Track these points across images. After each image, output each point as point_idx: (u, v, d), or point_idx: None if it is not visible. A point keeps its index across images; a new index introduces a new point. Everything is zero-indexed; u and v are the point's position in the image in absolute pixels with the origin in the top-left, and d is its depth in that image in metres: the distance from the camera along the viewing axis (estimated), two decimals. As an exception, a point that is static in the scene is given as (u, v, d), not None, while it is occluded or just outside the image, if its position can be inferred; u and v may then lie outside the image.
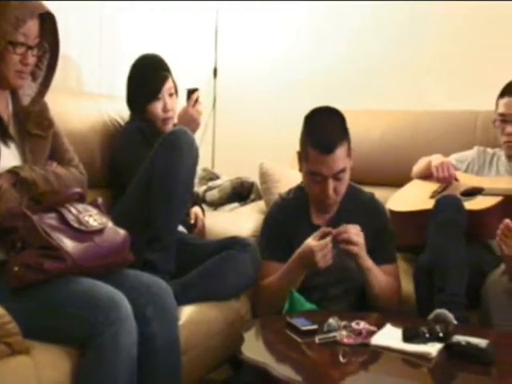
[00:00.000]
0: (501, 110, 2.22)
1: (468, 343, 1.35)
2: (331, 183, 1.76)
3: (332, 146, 1.74)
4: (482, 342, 1.34)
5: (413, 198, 2.24)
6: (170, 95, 2.07)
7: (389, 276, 1.82)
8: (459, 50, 2.74)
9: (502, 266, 1.83)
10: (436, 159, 2.25)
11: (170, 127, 2.06)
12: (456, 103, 2.63)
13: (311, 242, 1.73)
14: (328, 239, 1.72)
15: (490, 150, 2.33)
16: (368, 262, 1.76)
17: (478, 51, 2.70)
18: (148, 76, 2.05)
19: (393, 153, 2.56)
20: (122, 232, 1.49)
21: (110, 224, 1.49)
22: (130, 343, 1.32)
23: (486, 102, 2.58)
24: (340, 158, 1.76)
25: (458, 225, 1.84)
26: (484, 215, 1.96)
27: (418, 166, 2.35)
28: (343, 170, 1.77)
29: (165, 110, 2.05)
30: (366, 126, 2.63)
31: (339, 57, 2.97)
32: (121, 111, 2.18)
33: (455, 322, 1.59)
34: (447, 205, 1.89)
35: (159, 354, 1.42)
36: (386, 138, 2.59)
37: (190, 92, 2.02)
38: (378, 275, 1.78)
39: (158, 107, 2.04)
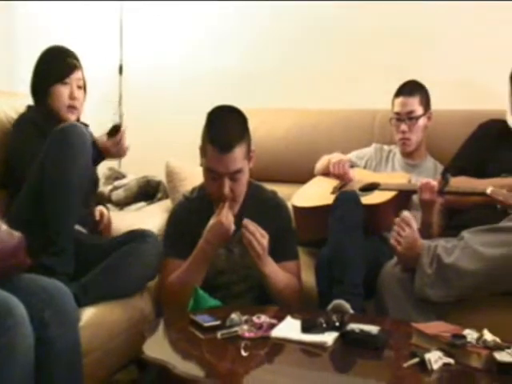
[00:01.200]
0: (396, 109, 2.35)
1: (361, 330, 1.42)
2: (227, 182, 1.77)
3: (230, 146, 1.75)
4: (373, 329, 1.43)
5: (315, 193, 2.33)
6: (79, 87, 2.02)
7: (289, 274, 1.86)
8: (357, 51, 2.86)
9: (396, 258, 1.94)
10: (335, 157, 2.35)
11: (73, 118, 2.00)
12: (355, 102, 2.74)
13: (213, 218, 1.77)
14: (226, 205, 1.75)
15: (386, 147, 2.47)
16: (267, 268, 1.77)
17: (375, 52, 2.83)
18: (57, 60, 2.01)
19: (296, 151, 2.63)
20: (16, 234, 1.44)
21: (4, 226, 1.43)
22: (26, 348, 1.30)
23: (384, 101, 2.72)
24: (237, 158, 1.76)
25: (356, 219, 1.93)
26: (379, 209, 2.07)
27: (320, 163, 2.45)
28: (240, 171, 1.78)
29: (71, 97, 1.99)
30: (269, 125, 2.69)
31: (244, 56, 3.01)
32: (18, 108, 2.09)
33: (351, 311, 1.67)
34: (345, 200, 1.98)
35: (59, 358, 1.40)
36: (289, 136, 2.66)
37: (115, 129, 1.96)
38: (278, 277, 1.80)
39: (64, 92, 1.98)
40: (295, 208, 2.24)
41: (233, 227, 1.76)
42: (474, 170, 2.11)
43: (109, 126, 1.99)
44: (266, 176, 2.52)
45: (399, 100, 2.35)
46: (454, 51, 2.71)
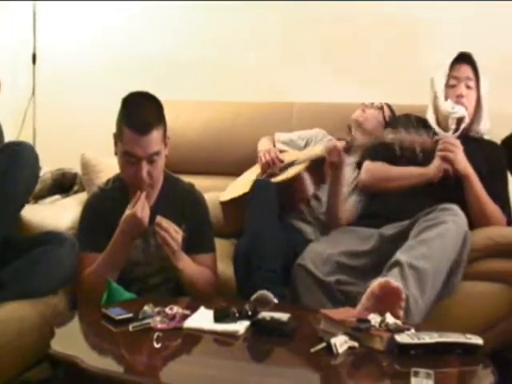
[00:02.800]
0: (354, 116, 2.42)
1: (272, 318, 1.46)
2: (145, 166, 1.76)
3: (148, 127, 1.74)
4: (283, 317, 1.47)
5: (241, 183, 2.36)
6: None
7: (204, 267, 1.86)
8: (274, 43, 2.90)
9: (309, 248, 2.00)
10: (262, 145, 2.38)
11: None
12: (274, 95, 2.79)
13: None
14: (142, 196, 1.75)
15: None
16: (180, 263, 1.77)
17: (291, 45, 2.89)
18: None
19: (215, 143, 2.65)
20: None
21: None
22: None
23: (300, 94, 2.79)
24: (155, 140, 1.76)
25: (269, 204, 1.97)
26: (293, 182, 2.16)
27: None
28: (157, 153, 1.77)
29: None
30: (188, 117, 2.69)
31: (163, 48, 2.98)
32: None
33: (276, 300, 1.70)
34: (259, 187, 2.02)
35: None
36: (208, 128, 2.67)
37: None
38: (192, 271, 1.80)
39: None
40: (220, 202, 2.28)
41: (147, 219, 1.74)
42: (392, 155, 2.16)
43: None
44: (185, 168, 2.52)
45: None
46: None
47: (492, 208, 2.04)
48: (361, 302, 1.59)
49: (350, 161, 2.29)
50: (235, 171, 2.49)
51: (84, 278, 1.81)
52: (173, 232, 1.72)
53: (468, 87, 2.15)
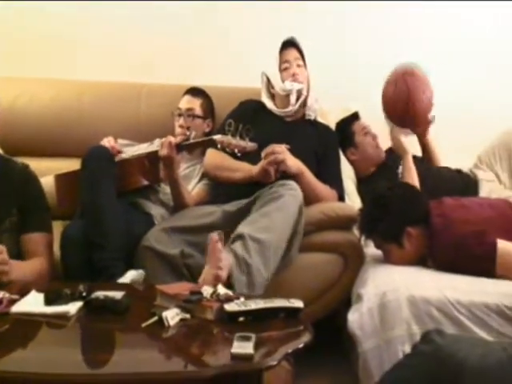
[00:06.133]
0: (180, 104, 2.45)
1: (105, 297, 1.45)
2: None
3: None
4: (117, 295, 1.46)
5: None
6: None
7: (37, 248, 1.80)
8: (126, 23, 2.85)
9: (153, 228, 2.01)
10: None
11: None
12: (122, 75, 2.73)
13: None
14: None
15: None
16: (13, 276, 1.66)
17: (146, 26, 2.85)
18: None
19: (59, 123, 2.54)
20: None
21: None
22: None
23: (151, 76, 2.76)
24: None
25: (108, 177, 1.95)
26: (128, 166, 2.15)
27: None
28: None
29: None
30: (30, 95, 2.55)
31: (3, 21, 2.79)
32: None
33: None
34: (93, 155, 1.99)
35: None
36: (52, 107, 2.55)
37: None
38: (25, 276, 1.71)
39: None
40: (54, 176, 2.20)
41: None
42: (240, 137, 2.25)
43: None
44: (27, 150, 2.41)
45: (185, 98, 2.48)
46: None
47: (324, 194, 2.20)
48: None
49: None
50: (80, 153, 2.41)
51: None
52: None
53: (298, 66, 2.36)
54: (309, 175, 2.16)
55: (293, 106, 2.31)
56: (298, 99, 2.31)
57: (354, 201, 2.37)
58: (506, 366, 1.17)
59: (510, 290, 1.68)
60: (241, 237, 1.82)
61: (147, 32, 2.86)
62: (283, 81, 2.32)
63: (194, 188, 2.33)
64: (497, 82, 2.81)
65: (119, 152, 2.23)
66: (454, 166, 2.52)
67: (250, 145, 2.05)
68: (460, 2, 2.86)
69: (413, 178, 2.26)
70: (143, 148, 2.32)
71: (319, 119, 2.45)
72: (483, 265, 1.77)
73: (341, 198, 2.26)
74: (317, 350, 2.01)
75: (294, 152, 2.15)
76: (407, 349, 1.60)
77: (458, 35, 2.87)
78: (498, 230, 1.84)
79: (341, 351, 2.07)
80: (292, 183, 2.01)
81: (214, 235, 1.63)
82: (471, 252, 1.78)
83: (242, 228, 1.86)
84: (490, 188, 2.38)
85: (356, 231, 2.12)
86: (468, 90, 2.80)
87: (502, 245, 1.77)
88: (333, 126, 2.53)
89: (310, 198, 2.10)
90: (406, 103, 2.27)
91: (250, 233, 1.83)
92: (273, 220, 1.89)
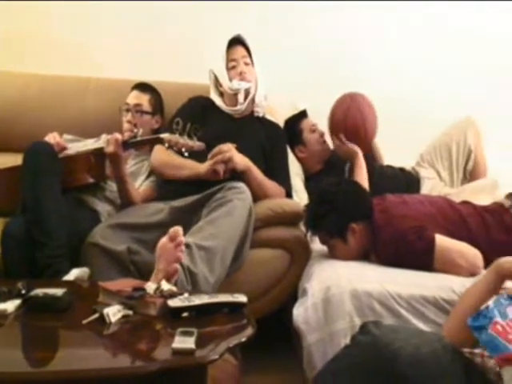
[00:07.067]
0: (128, 100, 2.41)
1: (45, 294, 1.43)
2: None
3: None
4: (58, 292, 1.44)
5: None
6: None
7: None
8: (72, 16, 2.80)
9: (99, 226, 1.98)
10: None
11: None
12: (68, 69, 2.68)
13: None
14: None
15: None
16: None
17: (90, 19, 2.81)
18: None
19: (2, 116, 2.46)
20: None
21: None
22: None
23: (98, 70, 2.72)
24: None
25: (52, 174, 1.92)
26: (74, 163, 2.12)
27: None
28: None
29: None
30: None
31: None
32: None
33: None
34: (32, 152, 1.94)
35: None
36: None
37: None
38: None
39: None
40: None
41: None
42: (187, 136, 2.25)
43: None
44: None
45: (133, 93, 2.45)
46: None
47: (272, 190, 2.22)
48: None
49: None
50: (24, 148, 2.35)
51: None
52: None
53: (246, 64, 2.36)
54: (256, 172, 2.18)
55: (241, 105, 2.32)
56: (246, 98, 2.32)
57: (301, 198, 2.40)
58: (440, 355, 1.22)
59: (446, 284, 1.73)
60: (187, 246, 1.82)
61: (95, 25, 2.82)
62: (231, 79, 2.32)
63: (141, 185, 2.32)
64: (438, 83, 2.90)
65: (64, 149, 2.19)
66: (397, 164, 2.59)
67: (197, 144, 2.05)
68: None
69: (363, 175, 2.32)
70: (89, 144, 2.29)
71: (268, 116, 2.47)
72: (422, 259, 1.83)
73: (288, 194, 2.28)
74: (266, 346, 2.06)
75: (242, 149, 2.17)
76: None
77: (401, 35, 2.94)
78: (437, 225, 1.90)
79: (289, 346, 2.10)
80: (241, 186, 2.02)
81: (177, 228, 1.62)
82: (411, 247, 1.84)
83: (188, 238, 1.85)
84: (432, 185, 2.47)
85: (303, 227, 2.15)
86: (411, 92, 2.88)
87: (440, 240, 1.83)
88: (281, 123, 2.55)
89: (257, 195, 2.12)
90: (357, 129, 2.39)
91: (196, 241, 1.84)
92: (220, 226, 1.91)
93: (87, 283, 1.73)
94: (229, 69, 2.34)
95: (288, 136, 2.48)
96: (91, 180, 2.14)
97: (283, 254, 2.13)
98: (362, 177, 2.32)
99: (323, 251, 2.08)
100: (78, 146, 2.29)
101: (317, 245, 2.12)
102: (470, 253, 1.82)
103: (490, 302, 1.27)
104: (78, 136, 2.41)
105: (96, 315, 1.36)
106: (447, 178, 2.54)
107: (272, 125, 2.44)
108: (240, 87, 2.30)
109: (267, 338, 2.03)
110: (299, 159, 2.58)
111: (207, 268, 1.83)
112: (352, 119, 2.40)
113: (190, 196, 2.09)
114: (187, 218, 2.01)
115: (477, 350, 1.36)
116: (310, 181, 2.53)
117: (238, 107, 2.33)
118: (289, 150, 2.47)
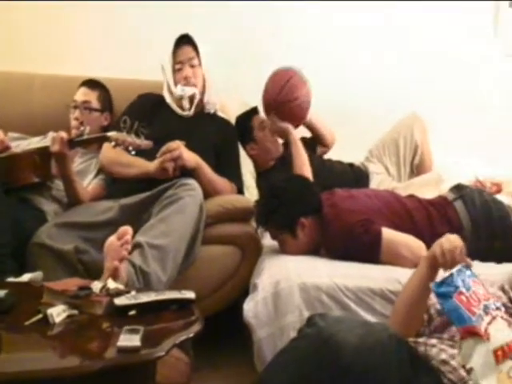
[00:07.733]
0: (76, 97, 2.37)
1: (-14, 296, 1.39)
2: None
3: None
4: (0, 293, 1.40)
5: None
6: None
7: None
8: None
9: (45, 225, 1.95)
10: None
11: None
12: (13, 65, 2.61)
13: None
14: None
15: None
16: None
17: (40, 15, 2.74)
18: None
19: None
20: None
21: None
22: None
23: (44, 66, 2.66)
24: None
25: None
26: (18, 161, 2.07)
27: None
28: None
29: None
30: None
31: None
32: None
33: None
34: None
35: None
36: None
37: None
38: None
39: None
40: None
41: None
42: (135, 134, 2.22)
43: None
44: None
45: (81, 90, 2.42)
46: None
47: (223, 187, 2.22)
48: None
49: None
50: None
51: None
52: None
53: (192, 66, 2.31)
54: (206, 169, 2.17)
55: (188, 111, 2.29)
56: (191, 102, 2.29)
57: (253, 194, 2.41)
58: (385, 344, 1.24)
59: (393, 275, 1.77)
60: (138, 245, 1.81)
61: (42, 20, 2.76)
62: (176, 83, 2.29)
63: (90, 183, 2.28)
64: (385, 80, 2.95)
65: (8, 147, 2.13)
66: (347, 159, 2.63)
67: (144, 143, 2.04)
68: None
69: (299, 151, 2.33)
70: (35, 142, 2.24)
71: (219, 113, 2.46)
72: (369, 252, 1.86)
73: (239, 191, 2.29)
74: (219, 342, 2.06)
75: (193, 146, 2.15)
76: (299, 334, 1.65)
77: (348, 34, 2.98)
78: (384, 218, 1.94)
79: (242, 342, 2.10)
80: (191, 183, 2.01)
81: (126, 228, 1.60)
82: (358, 240, 1.87)
83: (140, 236, 1.84)
84: (380, 180, 2.52)
85: (254, 223, 2.16)
86: (360, 89, 2.92)
87: (387, 233, 1.87)
88: (233, 120, 2.55)
89: (208, 192, 2.12)
90: (289, 106, 2.37)
91: (148, 240, 1.83)
92: (171, 224, 1.90)
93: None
94: (175, 71, 2.31)
95: (239, 133, 2.48)
96: (36, 179, 2.09)
97: (234, 250, 2.13)
98: (299, 153, 2.32)
99: (274, 247, 2.09)
100: (23, 145, 2.24)
101: (268, 240, 2.13)
102: (415, 245, 1.86)
103: (454, 270, 1.27)
104: (24, 134, 2.35)
105: (39, 316, 1.33)
106: (395, 173, 2.60)
107: (223, 122, 2.43)
108: (183, 93, 2.27)
109: (220, 335, 2.04)
110: (251, 156, 2.59)
111: (160, 267, 1.82)
112: (284, 96, 2.38)
113: (139, 194, 2.07)
114: (137, 216, 1.99)
115: (420, 340, 1.40)
116: (260, 177, 2.54)
117: (186, 113, 2.30)
118: (240, 147, 2.47)
